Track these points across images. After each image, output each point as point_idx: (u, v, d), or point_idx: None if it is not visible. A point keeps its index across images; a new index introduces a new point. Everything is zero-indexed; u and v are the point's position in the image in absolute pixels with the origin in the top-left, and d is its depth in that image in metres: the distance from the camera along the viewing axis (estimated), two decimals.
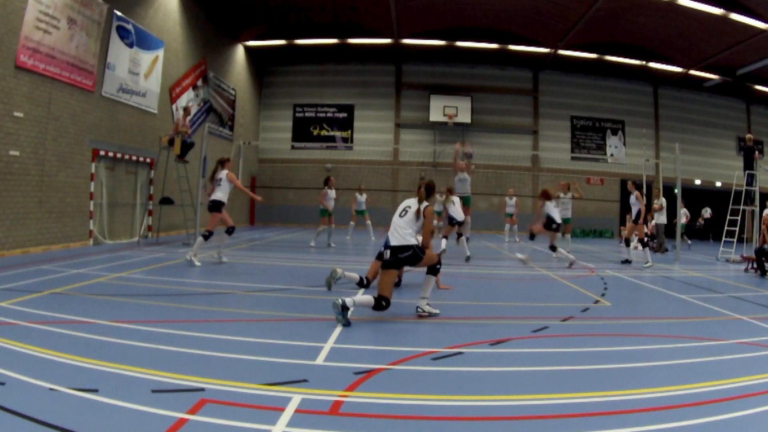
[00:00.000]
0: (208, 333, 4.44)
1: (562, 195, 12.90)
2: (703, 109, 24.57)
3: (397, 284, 7.12)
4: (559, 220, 10.70)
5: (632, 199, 11.47)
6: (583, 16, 17.89)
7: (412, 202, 5.58)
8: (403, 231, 5.42)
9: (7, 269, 7.42)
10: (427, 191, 5.56)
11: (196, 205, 12.95)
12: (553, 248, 10.88)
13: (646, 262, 11.00)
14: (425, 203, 5.51)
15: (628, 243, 11.98)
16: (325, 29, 20.64)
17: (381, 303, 5.20)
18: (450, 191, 11.39)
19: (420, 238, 5.61)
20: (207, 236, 8.89)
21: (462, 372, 3.76)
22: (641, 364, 4.02)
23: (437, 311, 5.61)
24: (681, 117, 24.33)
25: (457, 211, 11.10)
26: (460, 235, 11.19)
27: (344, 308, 4.94)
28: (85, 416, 2.70)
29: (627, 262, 11.56)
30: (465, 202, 11.63)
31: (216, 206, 8.95)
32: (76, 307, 5.19)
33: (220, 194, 9.00)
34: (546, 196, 10.70)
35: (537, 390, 3.40)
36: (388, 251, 5.43)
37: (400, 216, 5.53)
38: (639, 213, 11.28)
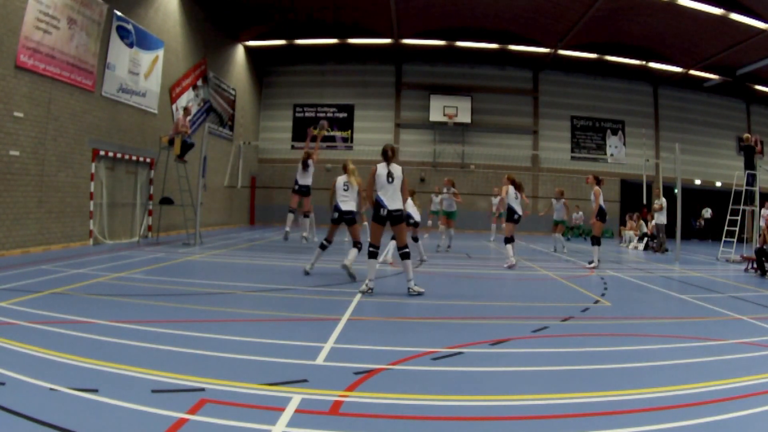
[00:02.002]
0: (208, 333, 4.44)
1: (555, 202, 13.68)
2: (703, 109, 24.58)
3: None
4: (520, 212, 10.40)
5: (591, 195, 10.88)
6: (583, 16, 17.90)
7: (391, 168, 6.63)
8: (396, 195, 6.59)
9: (7, 269, 7.41)
10: (393, 153, 6.74)
11: (196, 205, 12.95)
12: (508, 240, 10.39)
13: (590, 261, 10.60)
14: (397, 167, 6.69)
15: (595, 241, 10.86)
16: (325, 29, 20.65)
17: (369, 249, 6.66)
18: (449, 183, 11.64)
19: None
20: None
21: (462, 372, 3.76)
22: (641, 364, 4.02)
23: (422, 290, 6.64)
24: (681, 117, 24.34)
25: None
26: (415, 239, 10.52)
27: (371, 290, 6.54)
28: (85, 416, 2.70)
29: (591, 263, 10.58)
30: (451, 215, 12.78)
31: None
32: (76, 307, 5.19)
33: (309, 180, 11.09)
34: (512, 182, 10.51)
35: (537, 390, 3.40)
36: (384, 210, 6.52)
37: (389, 182, 6.60)
38: (600, 210, 10.59)
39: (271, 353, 4.01)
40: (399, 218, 6.60)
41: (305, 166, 10.86)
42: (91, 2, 10.92)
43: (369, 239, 6.83)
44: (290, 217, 10.85)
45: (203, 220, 14.62)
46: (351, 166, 8.09)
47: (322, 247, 8.22)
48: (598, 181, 11.03)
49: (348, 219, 7.94)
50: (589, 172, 23.04)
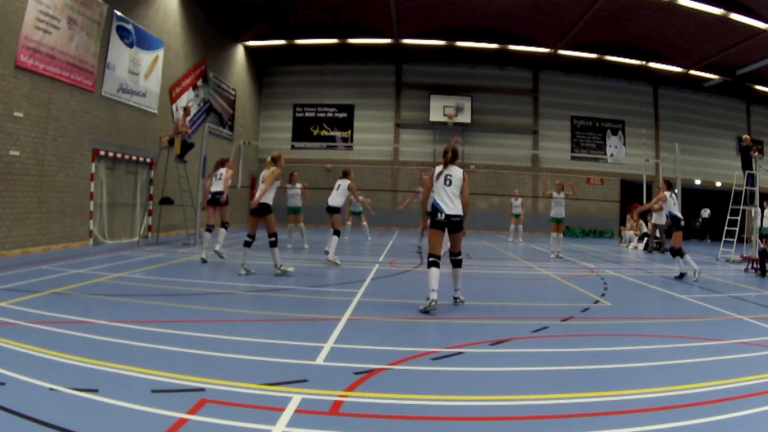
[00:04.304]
0: (208, 333, 4.44)
1: (555, 194, 12.73)
2: (703, 109, 24.58)
3: None
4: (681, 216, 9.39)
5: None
6: (583, 16, 17.90)
7: (450, 170, 6.12)
8: (455, 200, 6.04)
9: (7, 269, 7.41)
10: (453, 156, 6.22)
11: (196, 205, 12.95)
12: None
13: (693, 272, 9.27)
14: (457, 169, 6.16)
15: (681, 254, 9.40)
16: (325, 29, 20.65)
17: (429, 259, 5.95)
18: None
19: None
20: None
21: (462, 372, 3.76)
22: (641, 364, 4.02)
23: (464, 299, 6.19)
24: (681, 117, 24.33)
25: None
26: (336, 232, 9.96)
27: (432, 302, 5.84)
28: (85, 416, 2.70)
29: (682, 276, 9.39)
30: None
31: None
32: (76, 307, 5.20)
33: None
34: (668, 186, 9.50)
35: (537, 390, 3.40)
36: (442, 215, 5.97)
37: (446, 185, 6.06)
38: (673, 218, 9.38)
39: (271, 353, 4.01)
40: (458, 225, 6.05)
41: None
42: (91, 2, 10.92)
43: (428, 249, 6.19)
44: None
45: (203, 220, 14.61)
46: (268, 159, 8.11)
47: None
48: (668, 186, 9.76)
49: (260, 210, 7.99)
50: (589, 172, 23.23)
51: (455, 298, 6.26)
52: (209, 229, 9.78)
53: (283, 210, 12.60)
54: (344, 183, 9.99)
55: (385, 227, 20.97)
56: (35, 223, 9.86)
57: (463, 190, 6.11)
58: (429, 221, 6.21)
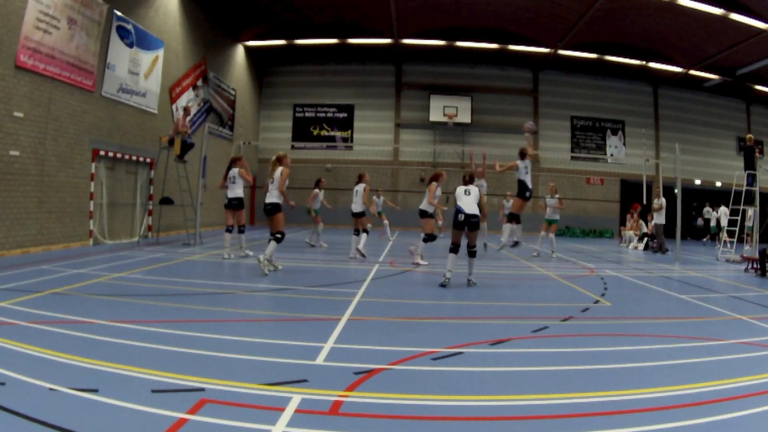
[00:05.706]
0: (208, 333, 4.44)
1: (548, 197, 13.36)
2: (703, 109, 24.59)
3: None
4: (531, 187, 10.33)
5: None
6: (582, 16, 17.90)
7: (468, 187, 7.78)
8: (472, 205, 7.56)
9: (7, 269, 7.41)
10: (471, 179, 8.09)
11: (196, 205, 12.95)
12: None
13: (502, 245, 11.21)
14: (474, 187, 7.82)
15: (517, 220, 10.74)
16: (325, 29, 20.66)
17: (450, 247, 7.69)
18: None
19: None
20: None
21: (462, 372, 3.76)
22: (641, 364, 4.02)
23: (476, 282, 7.86)
24: (681, 117, 24.34)
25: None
26: (362, 231, 10.66)
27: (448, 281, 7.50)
28: (85, 416, 2.70)
29: (516, 243, 11.01)
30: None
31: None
32: (76, 307, 5.19)
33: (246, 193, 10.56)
34: (522, 155, 10.25)
35: (537, 390, 3.40)
36: (462, 216, 7.47)
37: (466, 195, 7.68)
38: (522, 185, 10.23)
39: (271, 353, 4.02)
40: (476, 225, 7.59)
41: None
42: (91, 2, 10.92)
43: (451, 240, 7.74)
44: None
45: (203, 220, 14.62)
46: (273, 158, 8.60)
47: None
48: (522, 156, 10.37)
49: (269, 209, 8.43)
50: (589, 172, 23.27)
51: (468, 280, 7.79)
52: (228, 229, 10.17)
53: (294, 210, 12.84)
54: (359, 187, 10.57)
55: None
56: (35, 223, 9.86)
57: (480, 202, 7.70)
58: (452, 222, 7.66)
